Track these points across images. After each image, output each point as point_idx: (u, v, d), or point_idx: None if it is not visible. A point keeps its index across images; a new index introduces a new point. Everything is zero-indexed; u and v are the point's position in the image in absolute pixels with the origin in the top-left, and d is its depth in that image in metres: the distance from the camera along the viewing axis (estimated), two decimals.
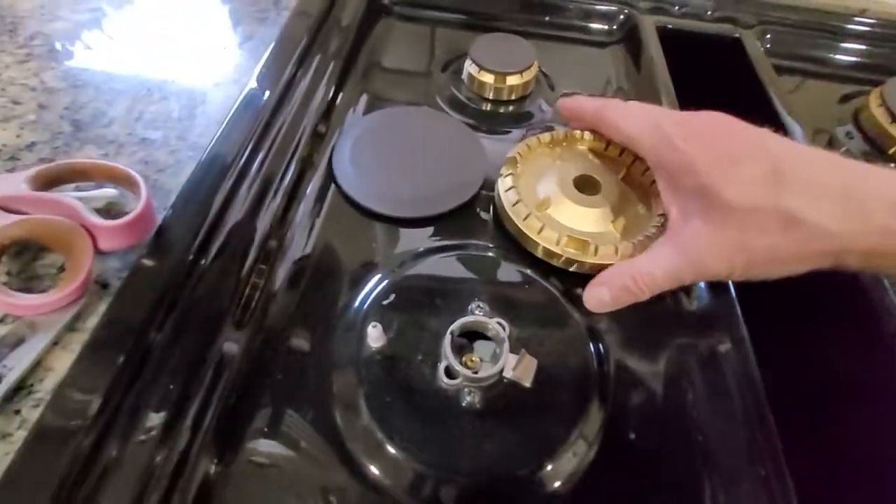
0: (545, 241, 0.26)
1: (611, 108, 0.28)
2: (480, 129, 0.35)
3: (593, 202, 0.28)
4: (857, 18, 0.46)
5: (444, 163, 0.31)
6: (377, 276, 0.26)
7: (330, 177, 0.30)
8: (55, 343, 0.21)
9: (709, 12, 0.44)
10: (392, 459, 0.21)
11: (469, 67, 0.37)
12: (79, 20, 0.37)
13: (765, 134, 0.23)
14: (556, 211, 0.28)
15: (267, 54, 0.34)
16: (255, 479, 0.20)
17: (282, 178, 0.29)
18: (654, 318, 0.26)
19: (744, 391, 0.24)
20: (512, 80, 0.36)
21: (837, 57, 0.45)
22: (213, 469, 0.20)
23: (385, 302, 0.25)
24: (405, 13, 0.44)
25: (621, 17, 0.44)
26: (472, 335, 0.24)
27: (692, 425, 0.23)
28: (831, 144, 0.38)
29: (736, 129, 0.23)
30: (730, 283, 0.27)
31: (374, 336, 0.23)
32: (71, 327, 0.22)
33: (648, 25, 0.43)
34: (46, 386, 0.20)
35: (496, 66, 0.36)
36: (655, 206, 0.28)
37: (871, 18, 0.46)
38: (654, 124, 0.25)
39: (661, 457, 0.22)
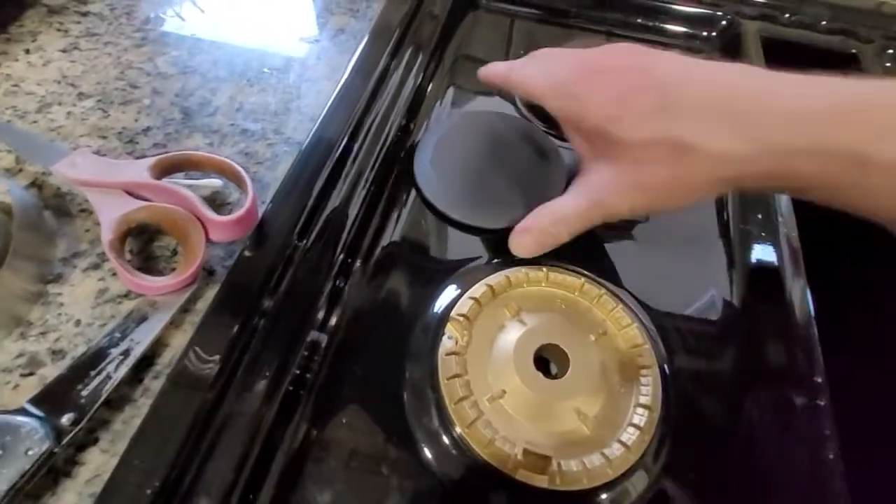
0: (494, 458, 0.21)
1: (516, 69, 0.27)
2: (552, 132, 0.35)
3: (560, 390, 0.22)
4: None
5: (524, 175, 0.31)
6: (452, 284, 0.27)
7: (411, 176, 0.31)
8: (171, 322, 0.24)
9: (823, 22, 0.41)
10: (446, 450, 0.22)
11: None
12: (185, 6, 0.39)
13: (657, 59, 0.22)
14: (512, 404, 0.22)
15: (360, 48, 0.35)
16: (335, 445, 0.22)
17: (371, 169, 0.31)
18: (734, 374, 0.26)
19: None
20: None
21: None
22: (304, 431, 0.23)
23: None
24: (493, 7, 0.44)
25: (723, 22, 0.42)
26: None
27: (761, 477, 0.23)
28: None
29: (627, 61, 0.23)
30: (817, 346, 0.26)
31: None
32: (184, 308, 0.24)
33: (752, 32, 0.40)
34: (164, 360, 0.23)
35: None
36: (635, 387, 0.23)
37: None
38: (551, 74, 0.25)
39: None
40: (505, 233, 0.28)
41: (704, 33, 0.42)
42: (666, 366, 0.25)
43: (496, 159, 0.31)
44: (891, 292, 0.34)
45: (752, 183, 0.21)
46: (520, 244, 0.26)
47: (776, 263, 0.29)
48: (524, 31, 0.43)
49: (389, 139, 0.32)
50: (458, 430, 0.22)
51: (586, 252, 0.28)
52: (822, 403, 0.24)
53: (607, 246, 0.30)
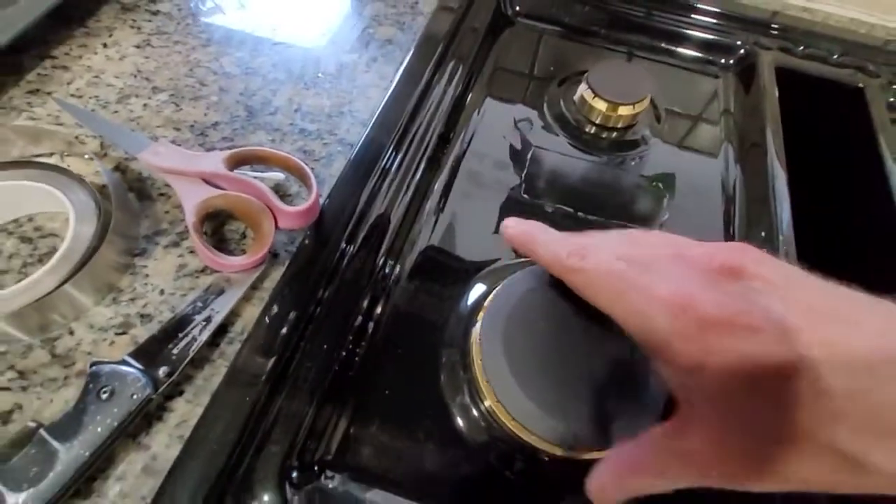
0: (518, 428, 0.23)
1: (577, 273, 0.20)
2: (578, 148, 0.38)
3: None
4: None
5: (609, 380, 0.24)
6: (479, 282, 0.31)
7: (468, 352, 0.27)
8: (243, 297, 0.27)
9: (835, 56, 0.44)
10: (476, 421, 0.26)
11: (584, 90, 0.39)
12: (243, 12, 0.43)
13: (781, 305, 0.16)
14: None
15: (407, 59, 0.38)
16: (381, 420, 0.26)
17: (413, 175, 0.34)
18: None
19: None
20: (623, 111, 0.38)
21: None
22: (353, 400, 0.26)
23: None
24: (528, 24, 0.47)
25: (741, 51, 0.45)
26: None
27: None
28: None
29: (748, 308, 0.17)
30: None
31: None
32: (253, 286, 0.28)
33: (766, 62, 0.43)
34: (237, 328, 0.27)
35: (611, 94, 0.38)
36: None
37: None
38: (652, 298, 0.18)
39: None
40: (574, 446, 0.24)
41: (722, 60, 0.45)
42: None
43: (582, 352, 0.24)
44: None
45: None
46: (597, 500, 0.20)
47: None
48: (555, 48, 0.46)
49: (430, 147, 0.36)
50: (487, 403, 0.26)
51: None
52: None
53: None
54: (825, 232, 0.39)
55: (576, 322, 0.25)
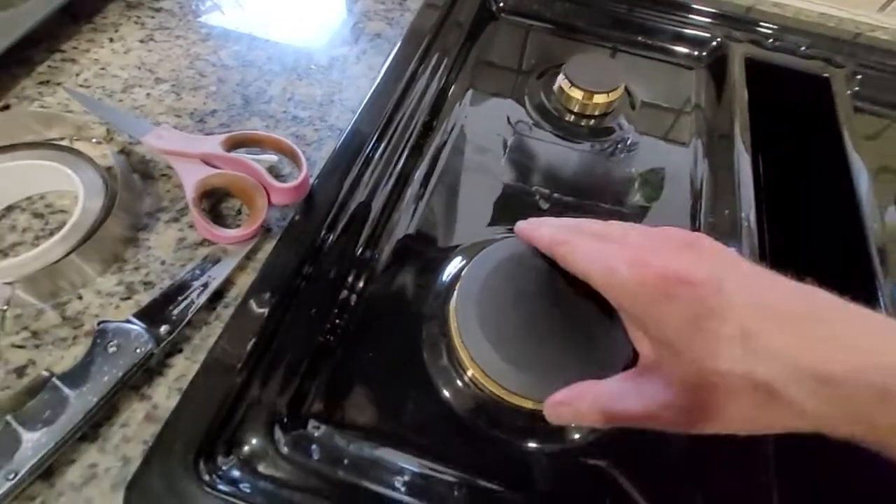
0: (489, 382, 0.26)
1: (572, 243, 0.24)
2: (562, 137, 0.40)
3: None
4: None
5: (580, 337, 0.26)
6: (458, 256, 0.33)
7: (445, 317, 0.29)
8: (238, 266, 0.29)
9: (802, 48, 0.46)
10: (462, 391, 0.28)
11: (561, 81, 0.42)
12: (240, 8, 0.45)
13: (733, 287, 0.20)
14: None
15: (395, 50, 0.41)
16: (362, 396, 0.28)
17: (395, 164, 0.36)
18: None
19: None
20: (598, 99, 0.40)
21: None
22: (340, 360, 0.28)
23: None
24: (512, 20, 0.49)
25: (713, 43, 0.47)
26: None
27: None
28: None
29: (697, 273, 0.20)
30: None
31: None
32: (247, 256, 0.30)
33: (737, 55, 0.45)
34: (232, 294, 0.29)
35: (586, 84, 0.40)
36: None
37: None
38: (613, 269, 0.22)
39: None
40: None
41: (696, 53, 0.47)
42: None
43: (550, 314, 0.27)
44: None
45: (831, 433, 0.18)
46: (552, 416, 0.23)
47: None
48: (538, 43, 0.48)
49: (414, 135, 0.38)
50: (466, 367, 0.28)
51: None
52: None
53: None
54: (790, 221, 0.41)
55: (546, 287, 0.27)
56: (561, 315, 0.27)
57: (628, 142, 0.41)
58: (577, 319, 0.27)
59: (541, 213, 0.36)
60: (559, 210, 0.36)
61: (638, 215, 0.37)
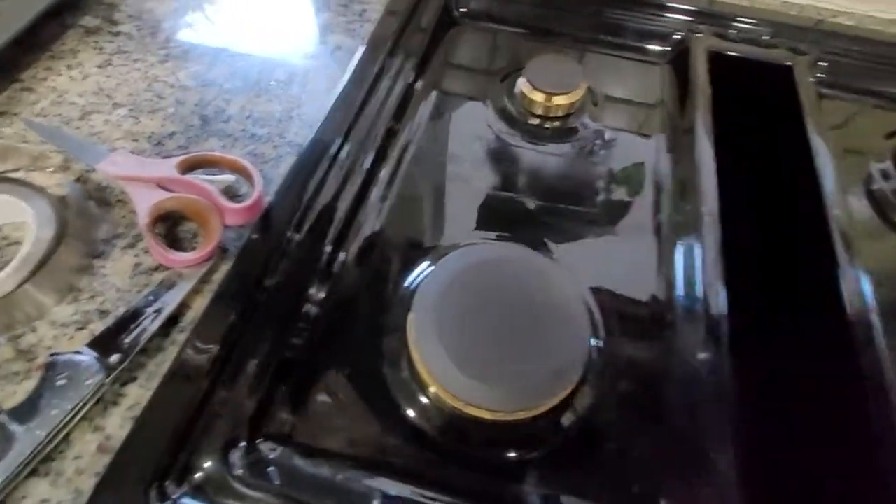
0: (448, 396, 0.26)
1: None
2: (525, 140, 0.40)
3: None
4: None
5: (541, 343, 0.27)
6: (426, 260, 0.33)
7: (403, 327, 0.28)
8: (193, 290, 0.29)
9: (765, 37, 0.46)
10: (424, 406, 0.27)
11: (522, 85, 0.42)
12: (201, 26, 0.45)
13: None
14: None
15: (357, 58, 0.41)
16: (323, 414, 0.28)
17: (360, 165, 0.36)
18: None
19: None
20: (559, 100, 0.40)
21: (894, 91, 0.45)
22: (304, 376, 0.28)
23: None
24: (473, 25, 0.49)
25: (675, 37, 0.47)
26: None
27: None
28: (867, 182, 0.40)
29: None
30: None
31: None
32: (203, 279, 0.30)
33: (700, 49, 0.45)
34: (188, 318, 0.29)
35: (546, 86, 0.40)
36: None
37: None
38: None
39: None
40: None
41: (660, 49, 0.47)
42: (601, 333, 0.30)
43: (510, 323, 0.27)
44: (809, 295, 0.38)
45: None
46: None
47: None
48: (501, 46, 0.48)
49: (379, 139, 0.38)
50: (427, 384, 0.27)
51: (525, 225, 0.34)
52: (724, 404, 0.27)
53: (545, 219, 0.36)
54: (756, 212, 0.41)
55: (504, 295, 0.28)
56: (519, 323, 0.27)
57: (592, 142, 0.41)
58: (535, 326, 0.27)
59: (508, 215, 0.36)
60: (524, 212, 0.36)
61: (607, 214, 0.37)
